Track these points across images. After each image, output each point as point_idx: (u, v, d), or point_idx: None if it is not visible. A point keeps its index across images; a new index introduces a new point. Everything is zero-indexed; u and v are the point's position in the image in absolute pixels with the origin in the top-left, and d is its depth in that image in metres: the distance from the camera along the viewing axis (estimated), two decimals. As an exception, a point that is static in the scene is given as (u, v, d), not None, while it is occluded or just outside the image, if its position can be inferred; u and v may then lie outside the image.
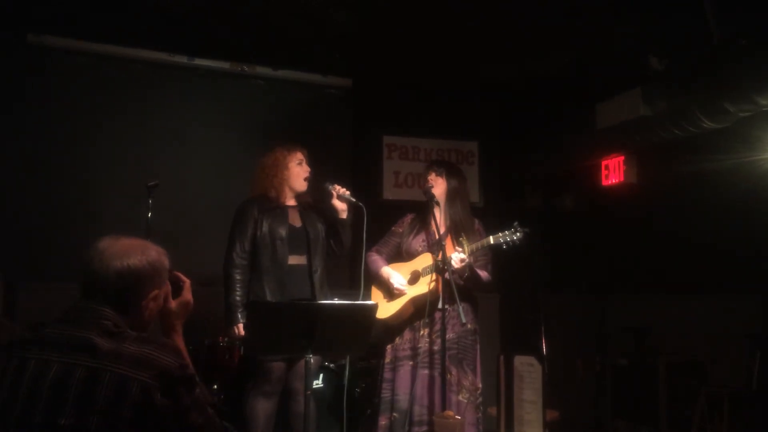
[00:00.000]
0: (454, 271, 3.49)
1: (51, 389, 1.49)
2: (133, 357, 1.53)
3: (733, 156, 4.14)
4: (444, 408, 3.45)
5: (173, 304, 1.84)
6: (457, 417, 3.30)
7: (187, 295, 1.89)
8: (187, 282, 1.89)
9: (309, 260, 3.71)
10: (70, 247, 4.47)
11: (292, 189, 3.78)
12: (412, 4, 4.44)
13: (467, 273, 3.59)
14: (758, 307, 4.16)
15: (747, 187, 4.07)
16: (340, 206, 3.74)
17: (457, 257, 3.49)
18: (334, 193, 3.71)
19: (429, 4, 4.42)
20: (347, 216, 3.77)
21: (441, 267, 3.51)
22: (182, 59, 5.23)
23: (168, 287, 1.82)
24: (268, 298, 3.55)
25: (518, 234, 3.52)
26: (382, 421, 3.67)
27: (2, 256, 4.53)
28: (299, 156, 3.80)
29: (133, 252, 1.68)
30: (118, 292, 1.65)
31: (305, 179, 3.78)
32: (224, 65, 5.37)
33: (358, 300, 3.55)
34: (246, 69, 5.42)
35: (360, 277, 3.65)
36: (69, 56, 4.97)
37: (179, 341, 1.85)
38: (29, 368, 1.52)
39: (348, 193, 3.73)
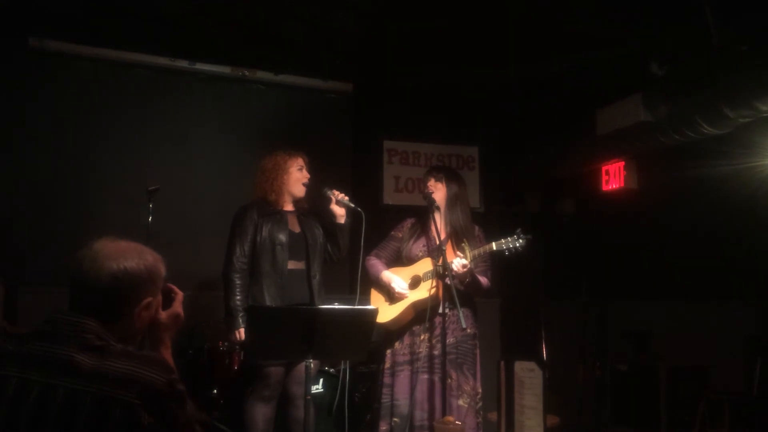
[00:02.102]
0: (455, 277, 3.49)
1: (31, 414, 1.43)
2: (116, 375, 1.45)
3: (733, 162, 4.14)
4: (444, 413, 3.45)
5: (163, 316, 1.75)
6: (457, 423, 3.30)
7: (178, 307, 1.79)
8: (180, 294, 1.80)
9: (308, 265, 3.71)
10: (71, 251, 4.48)
11: (290, 194, 3.79)
12: (413, 9, 4.44)
13: (468, 279, 3.59)
14: (758, 312, 4.16)
15: (747, 192, 4.08)
16: (339, 211, 3.74)
17: (458, 263, 3.49)
18: (333, 198, 3.72)
19: (430, 9, 4.43)
20: (346, 221, 3.78)
21: (442, 272, 3.51)
22: (183, 64, 5.23)
23: (160, 298, 1.73)
24: (268, 302, 3.55)
25: (521, 241, 3.51)
26: (383, 427, 3.67)
27: (2, 260, 4.53)
28: (300, 161, 3.81)
29: (129, 254, 1.61)
30: (110, 297, 1.57)
31: (304, 185, 3.78)
32: (225, 70, 5.37)
33: (355, 305, 3.55)
34: (247, 74, 5.43)
35: (357, 283, 3.64)
36: (70, 60, 4.97)
37: (167, 355, 1.77)
38: (10, 388, 1.45)
39: (347, 198, 3.73)
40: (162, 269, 1.69)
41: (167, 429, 1.48)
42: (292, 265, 3.68)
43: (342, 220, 3.76)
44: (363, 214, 3.62)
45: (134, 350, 1.56)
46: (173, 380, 1.51)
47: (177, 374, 1.58)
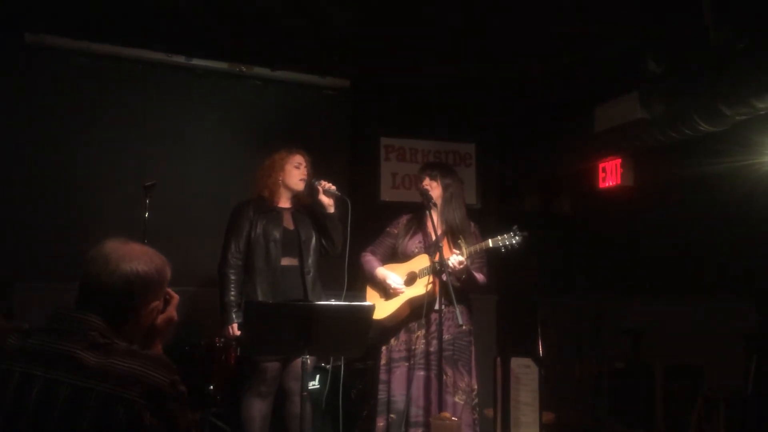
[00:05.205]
0: (451, 273, 3.49)
1: (35, 410, 1.42)
2: (121, 373, 1.45)
3: (729, 159, 4.14)
4: (440, 409, 3.45)
5: (159, 319, 1.75)
6: (453, 419, 3.31)
7: (172, 311, 1.78)
8: (176, 298, 1.79)
9: (301, 262, 3.72)
10: (67, 247, 4.48)
11: (288, 188, 3.80)
12: (411, 6, 4.44)
13: (464, 275, 3.59)
14: (756, 310, 4.16)
15: (743, 190, 4.08)
16: (327, 201, 3.76)
17: (455, 259, 3.49)
18: (320, 189, 3.74)
19: (427, 6, 4.42)
20: (334, 211, 3.79)
21: (438, 269, 3.51)
22: (180, 59, 5.21)
23: (162, 301, 1.73)
24: (260, 298, 3.56)
25: (517, 237, 3.52)
26: (380, 423, 3.68)
27: (-2, 256, 4.53)
28: (298, 159, 3.81)
29: (141, 258, 1.61)
30: (121, 299, 1.57)
31: (301, 180, 3.79)
32: (222, 65, 5.35)
33: (344, 298, 3.56)
34: (244, 69, 5.41)
35: (349, 276, 3.64)
36: (67, 56, 4.95)
37: None
38: (13, 382, 1.45)
39: (334, 188, 3.75)
40: (168, 273, 1.70)
41: (169, 429, 1.48)
42: (285, 261, 3.70)
43: (331, 210, 3.78)
44: (349, 202, 3.63)
45: (137, 349, 1.57)
46: (176, 381, 1.52)
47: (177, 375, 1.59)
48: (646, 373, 4.66)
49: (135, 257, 1.61)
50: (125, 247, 1.63)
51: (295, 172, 3.79)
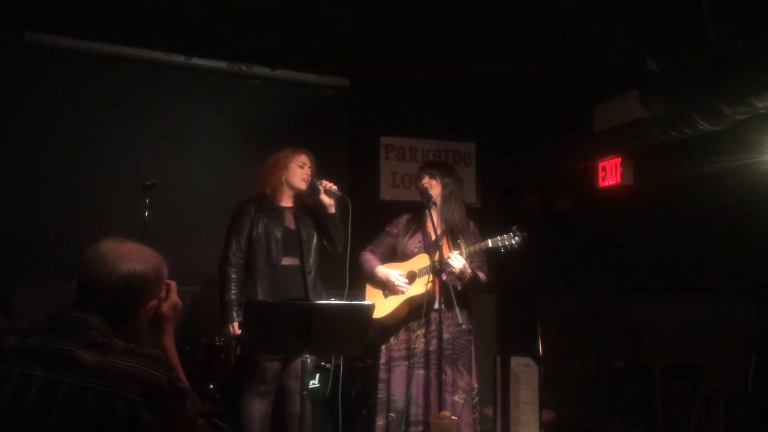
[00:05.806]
0: (451, 273, 3.50)
1: (34, 409, 1.43)
2: (119, 372, 1.46)
3: (729, 158, 4.14)
4: (440, 408, 3.46)
5: (164, 307, 1.77)
6: (453, 418, 3.31)
7: (175, 297, 1.81)
8: (173, 284, 1.81)
9: (302, 261, 3.72)
10: (67, 247, 4.47)
11: (290, 187, 3.80)
12: (410, 5, 4.44)
13: (468, 276, 3.60)
14: (756, 309, 4.16)
15: (743, 189, 4.08)
16: (328, 201, 3.77)
17: (458, 261, 3.49)
18: (321, 189, 3.74)
19: (427, 5, 4.42)
20: (335, 211, 3.79)
21: (438, 268, 3.51)
22: (180, 59, 5.22)
23: (162, 297, 1.75)
24: (260, 298, 3.56)
25: (516, 238, 3.52)
26: (379, 422, 3.68)
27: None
28: (303, 158, 3.81)
29: (139, 257, 1.62)
30: (118, 298, 1.58)
31: (304, 179, 3.79)
32: (222, 65, 5.36)
33: (346, 298, 3.56)
34: (243, 68, 5.41)
35: (349, 276, 3.64)
36: (66, 55, 4.96)
37: (170, 344, 1.79)
38: (12, 381, 1.46)
39: (335, 187, 3.75)
40: (165, 271, 1.71)
41: (168, 427, 1.49)
42: (286, 261, 3.70)
43: (332, 210, 3.78)
44: (350, 202, 3.63)
45: (135, 348, 1.57)
46: (174, 378, 1.53)
47: (178, 370, 1.60)
48: (645, 372, 4.67)
49: (132, 257, 1.62)
50: (122, 246, 1.63)
51: (298, 172, 3.79)
